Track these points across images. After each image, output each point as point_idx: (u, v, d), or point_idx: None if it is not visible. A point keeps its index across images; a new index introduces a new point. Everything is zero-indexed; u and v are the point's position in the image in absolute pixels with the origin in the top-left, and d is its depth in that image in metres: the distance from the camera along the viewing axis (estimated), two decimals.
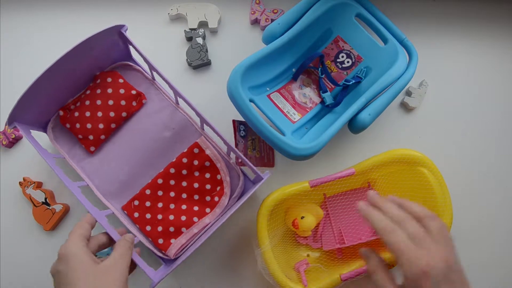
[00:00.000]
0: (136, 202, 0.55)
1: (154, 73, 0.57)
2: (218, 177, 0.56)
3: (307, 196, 0.54)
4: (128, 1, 0.66)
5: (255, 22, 0.66)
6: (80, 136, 0.57)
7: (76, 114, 0.57)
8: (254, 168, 0.50)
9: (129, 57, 0.60)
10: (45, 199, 0.57)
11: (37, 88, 0.48)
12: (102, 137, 0.57)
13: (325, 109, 0.59)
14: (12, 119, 0.50)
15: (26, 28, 0.66)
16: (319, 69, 0.60)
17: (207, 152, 0.56)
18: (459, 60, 0.65)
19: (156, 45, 0.63)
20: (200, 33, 0.63)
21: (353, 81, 0.58)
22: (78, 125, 0.56)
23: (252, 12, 0.65)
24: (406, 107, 0.63)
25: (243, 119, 0.54)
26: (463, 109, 0.63)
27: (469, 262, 0.54)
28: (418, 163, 0.53)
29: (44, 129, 0.57)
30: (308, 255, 0.55)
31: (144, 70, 0.60)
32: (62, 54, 0.47)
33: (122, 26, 0.53)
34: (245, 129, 0.57)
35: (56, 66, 0.47)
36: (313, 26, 0.58)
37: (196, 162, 0.56)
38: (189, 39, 0.64)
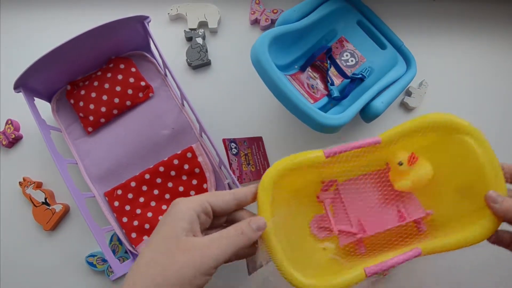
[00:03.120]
0: (119, 192, 0.55)
1: (167, 70, 0.58)
2: (205, 186, 0.55)
3: (316, 175, 0.42)
4: (128, 1, 0.66)
5: (255, 22, 0.66)
6: (81, 115, 0.57)
7: (83, 92, 0.57)
8: (239, 186, 0.50)
9: (148, 48, 0.61)
10: (45, 199, 0.57)
11: (52, 57, 0.49)
12: (102, 120, 0.57)
13: (332, 102, 0.59)
14: (19, 84, 0.50)
15: (26, 27, 0.66)
16: (328, 62, 0.61)
17: (200, 159, 0.56)
18: (459, 60, 0.65)
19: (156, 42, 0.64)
20: (200, 33, 0.63)
21: (361, 75, 0.59)
22: (81, 103, 0.57)
23: (252, 12, 0.65)
24: (406, 107, 0.63)
25: (232, 137, 0.54)
26: (463, 109, 0.63)
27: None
28: (459, 131, 0.39)
29: (48, 99, 0.58)
30: (324, 249, 0.43)
31: (158, 64, 0.60)
32: (85, 30, 0.48)
33: (147, 17, 0.54)
34: (236, 146, 0.56)
35: (77, 41, 0.49)
36: (319, 24, 0.60)
37: (186, 166, 0.55)
38: (189, 39, 0.64)
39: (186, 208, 0.32)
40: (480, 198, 0.37)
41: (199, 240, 0.31)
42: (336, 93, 0.58)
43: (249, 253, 0.37)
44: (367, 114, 0.56)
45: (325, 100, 0.59)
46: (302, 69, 0.59)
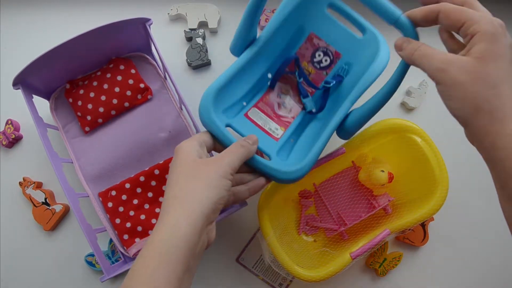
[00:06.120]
0: (113, 193, 0.55)
1: (166, 73, 0.58)
2: None
3: (301, 185, 0.55)
4: (128, 1, 0.66)
5: None
6: (79, 114, 0.57)
7: (81, 91, 0.57)
8: None
9: (148, 50, 0.61)
10: (45, 199, 0.57)
11: (53, 55, 0.49)
12: (100, 120, 0.57)
13: (309, 116, 0.54)
14: (18, 81, 0.51)
15: (26, 28, 0.66)
16: (296, 72, 0.55)
17: None
18: None
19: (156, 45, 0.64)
20: (200, 33, 0.63)
21: (334, 82, 0.52)
22: (80, 103, 0.57)
23: None
24: (405, 107, 0.63)
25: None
26: None
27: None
28: (409, 131, 0.52)
29: (47, 97, 0.58)
30: (315, 240, 0.55)
31: (158, 67, 0.61)
32: (86, 30, 0.49)
33: (148, 19, 0.55)
34: None
35: (78, 40, 0.49)
36: (283, 27, 0.51)
37: None
38: (189, 39, 0.64)
39: (189, 143, 0.41)
40: (427, 184, 0.50)
41: (211, 157, 0.40)
42: (310, 107, 0.54)
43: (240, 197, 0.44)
44: (341, 136, 0.49)
45: (301, 115, 0.54)
46: (271, 86, 0.55)
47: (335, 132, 0.49)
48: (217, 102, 0.47)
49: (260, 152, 0.50)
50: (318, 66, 0.55)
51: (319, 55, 0.54)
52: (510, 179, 0.31)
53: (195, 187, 0.36)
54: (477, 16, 0.32)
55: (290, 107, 0.55)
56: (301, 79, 0.55)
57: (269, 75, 0.54)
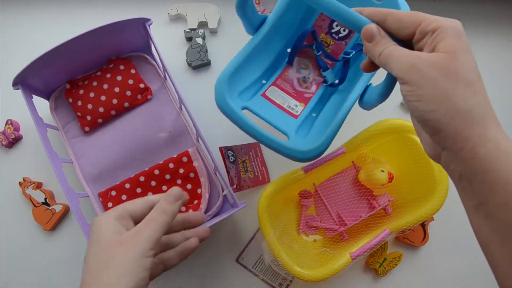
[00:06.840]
0: (113, 193, 0.55)
1: (166, 73, 0.58)
2: (199, 191, 0.55)
3: (301, 185, 0.56)
4: (128, 1, 0.66)
5: None
6: (78, 114, 0.57)
7: (81, 91, 0.57)
8: (234, 195, 0.51)
9: (148, 50, 0.61)
10: (45, 199, 0.57)
11: (53, 56, 0.49)
12: (100, 120, 0.57)
13: (330, 89, 0.54)
14: (18, 81, 0.51)
15: (27, 28, 0.67)
16: (314, 46, 0.54)
17: (195, 164, 0.56)
18: None
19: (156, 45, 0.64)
20: (200, 33, 0.63)
21: (354, 52, 0.52)
22: (79, 103, 0.57)
23: None
24: (405, 107, 0.63)
25: (229, 145, 0.53)
26: None
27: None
28: (409, 131, 0.52)
29: (47, 97, 0.58)
30: (315, 240, 0.55)
31: (158, 67, 0.61)
32: (86, 30, 0.49)
33: (148, 19, 0.55)
34: (233, 154, 0.55)
35: (78, 40, 0.49)
36: (293, 3, 0.51)
37: (181, 171, 0.55)
38: (189, 39, 0.64)
39: (104, 217, 0.34)
40: (427, 184, 0.50)
41: (129, 231, 0.33)
42: (330, 79, 0.54)
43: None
44: (363, 107, 0.45)
45: (322, 89, 0.54)
46: (290, 62, 0.55)
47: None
48: (232, 85, 0.47)
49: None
50: (336, 37, 0.55)
51: (337, 25, 0.54)
52: (491, 195, 0.26)
53: (109, 275, 0.31)
54: (432, 16, 0.29)
55: (311, 81, 0.55)
56: (320, 52, 0.54)
57: (288, 50, 0.54)
